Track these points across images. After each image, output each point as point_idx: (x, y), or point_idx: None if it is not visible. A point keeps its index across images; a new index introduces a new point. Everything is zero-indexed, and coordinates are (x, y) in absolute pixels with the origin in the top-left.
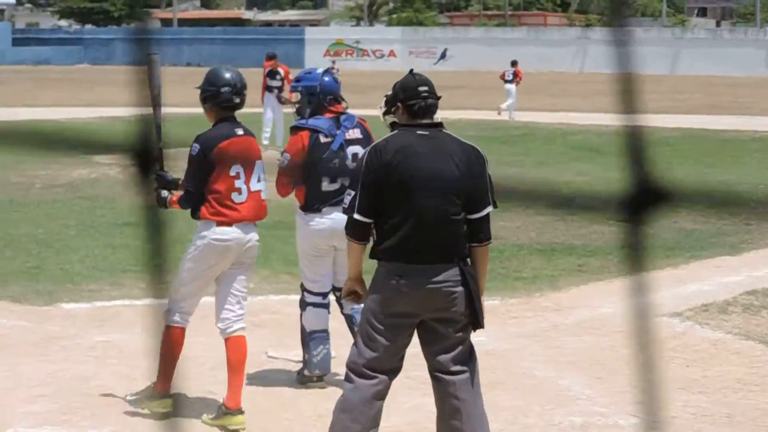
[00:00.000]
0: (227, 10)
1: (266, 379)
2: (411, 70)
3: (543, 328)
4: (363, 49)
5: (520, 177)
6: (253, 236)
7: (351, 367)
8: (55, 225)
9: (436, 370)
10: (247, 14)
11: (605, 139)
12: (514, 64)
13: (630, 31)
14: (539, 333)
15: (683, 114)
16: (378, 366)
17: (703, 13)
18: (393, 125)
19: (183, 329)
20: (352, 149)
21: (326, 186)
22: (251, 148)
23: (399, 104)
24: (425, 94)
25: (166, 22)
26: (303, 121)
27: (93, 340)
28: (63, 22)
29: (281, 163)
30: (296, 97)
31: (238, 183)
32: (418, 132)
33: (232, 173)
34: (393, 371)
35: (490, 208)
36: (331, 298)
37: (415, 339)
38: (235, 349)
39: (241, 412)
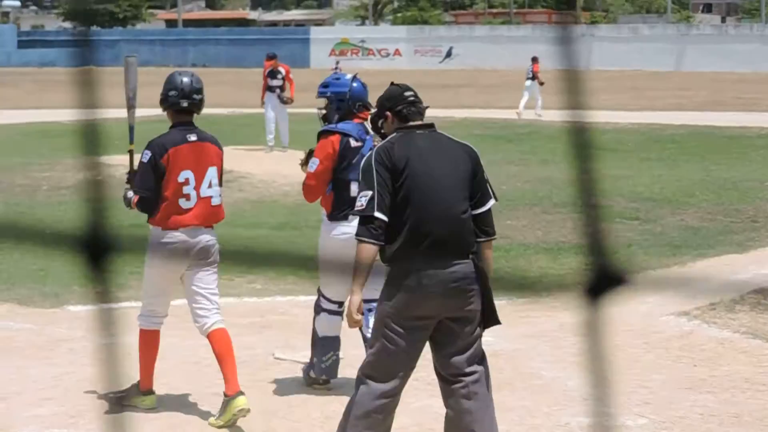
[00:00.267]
0: (232, 10)
1: (273, 380)
2: (392, 83)
3: (550, 328)
4: (368, 48)
5: (525, 175)
6: (204, 238)
7: (367, 373)
8: (62, 227)
9: (449, 373)
10: (252, 14)
11: (610, 136)
12: (533, 60)
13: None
14: (546, 333)
15: (689, 111)
16: (395, 371)
17: (708, 9)
18: (383, 137)
19: (156, 331)
20: None
21: (355, 191)
22: (204, 153)
23: (387, 113)
24: (411, 98)
25: (171, 23)
26: (333, 126)
27: (100, 342)
28: (67, 24)
29: (309, 167)
30: (321, 102)
31: (187, 189)
32: (417, 132)
33: (181, 179)
34: (407, 375)
35: (492, 202)
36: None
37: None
38: (218, 341)
39: (241, 393)
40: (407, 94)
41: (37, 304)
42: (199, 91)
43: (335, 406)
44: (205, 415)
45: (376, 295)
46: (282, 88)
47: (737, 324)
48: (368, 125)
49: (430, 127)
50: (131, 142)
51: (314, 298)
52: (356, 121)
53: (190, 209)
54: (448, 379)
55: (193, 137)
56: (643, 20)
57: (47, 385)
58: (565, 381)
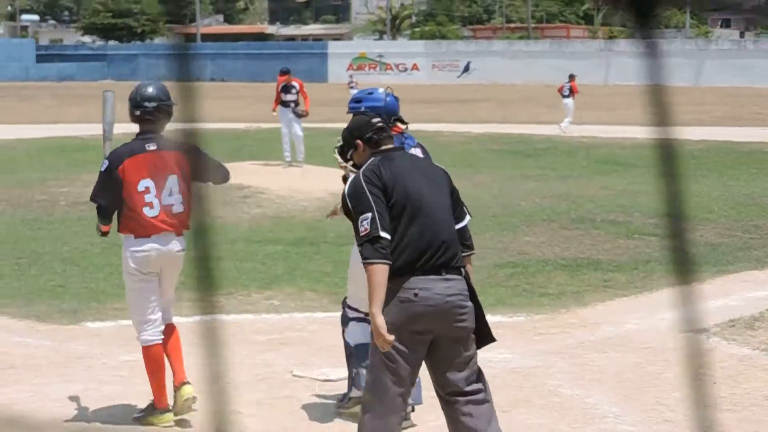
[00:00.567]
0: (250, 24)
1: (292, 398)
2: (355, 114)
3: (569, 345)
4: (386, 62)
5: (543, 191)
6: (175, 246)
7: (370, 395)
8: (80, 243)
9: (448, 392)
10: (270, 29)
11: (629, 152)
12: (571, 78)
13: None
14: (565, 350)
15: (708, 126)
16: (398, 389)
17: (726, 24)
18: (355, 166)
19: (158, 346)
20: None
21: None
22: (163, 162)
23: (358, 142)
24: (379, 125)
25: (190, 38)
26: None
27: (119, 359)
28: (86, 38)
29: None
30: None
31: (149, 197)
32: (395, 153)
33: (141, 188)
34: (408, 392)
35: (468, 217)
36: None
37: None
38: (167, 335)
39: (186, 383)
40: (374, 121)
41: (55, 321)
42: (152, 98)
43: (355, 423)
44: None
45: (363, 306)
46: (296, 102)
47: (757, 341)
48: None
49: (402, 149)
50: None
51: (331, 314)
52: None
53: (155, 217)
54: (448, 399)
55: (152, 146)
56: (662, 35)
57: (65, 402)
58: (584, 398)
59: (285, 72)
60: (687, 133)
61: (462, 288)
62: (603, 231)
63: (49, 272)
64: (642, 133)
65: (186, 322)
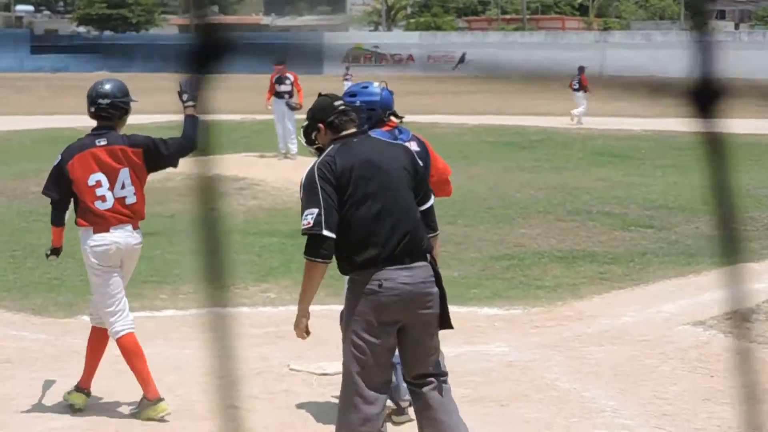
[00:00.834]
0: (245, 15)
1: (289, 392)
2: (319, 93)
3: (565, 338)
4: (381, 53)
5: (538, 183)
6: (133, 239)
7: (347, 392)
8: (76, 235)
9: (414, 377)
10: (265, 20)
11: (625, 143)
12: (581, 70)
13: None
14: (562, 343)
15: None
16: (375, 382)
17: (721, 15)
18: (319, 150)
19: (131, 333)
20: None
21: None
22: (114, 156)
23: (320, 125)
24: (342, 107)
25: (184, 29)
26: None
27: (115, 352)
28: (81, 29)
29: None
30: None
31: (100, 191)
32: (354, 140)
33: (91, 182)
34: (387, 383)
35: (433, 198)
36: None
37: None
38: (127, 344)
39: (161, 400)
40: (337, 103)
41: (51, 314)
42: (107, 95)
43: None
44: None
45: None
46: (290, 94)
47: (754, 333)
48: (397, 131)
49: (364, 133)
50: None
51: (327, 307)
52: (386, 128)
53: (109, 209)
54: (415, 387)
55: (102, 141)
56: (656, 27)
57: (61, 396)
58: (581, 392)
59: (280, 62)
60: (682, 125)
61: (427, 275)
62: (599, 223)
63: (44, 265)
64: (637, 124)
65: (183, 315)
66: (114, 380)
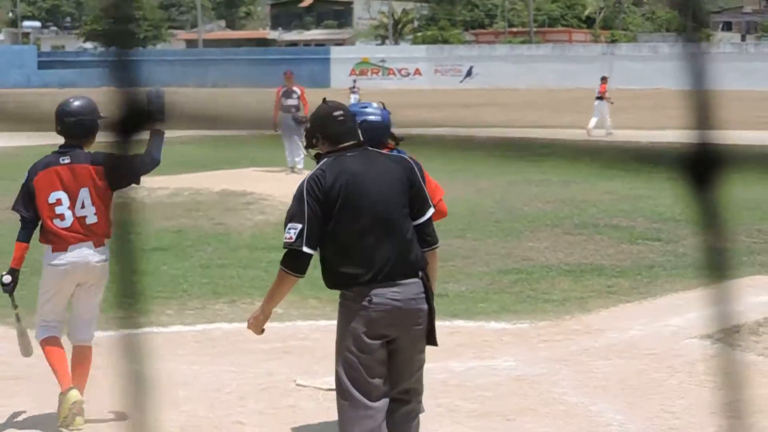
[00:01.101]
0: (252, 30)
1: (295, 408)
2: (324, 99)
3: (573, 352)
4: (388, 67)
5: (546, 196)
6: (93, 258)
7: (345, 409)
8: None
9: (397, 391)
10: (272, 34)
11: (632, 155)
12: (603, 80)
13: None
14: (569, 357)
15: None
16: (372, 396)
17: (728, 27)
18: (318, 156)
19: (56, 337)
20: None
21: None
22: (76, 175)
23: (318, 135)
24: (341, 118)
25: (192, 43)
26: None
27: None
28: (88, 45)
29: None
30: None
31: (60, 209)
32: (348, 154)
33: (52, 200)
34: (385, 394)
35: (432, 210)
36: None
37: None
38: (78, 354)
39: (72, 388)
40: (336, 114)
41: None
42: (72, 114)
43: None
44: None
45: None
46: (297, 108)
47: (761, 347)
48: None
49: (361, 146)
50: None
51: (335, 322)
52: (386, 151)
53: (66, 228)
54: (394, 398)
55: (66, 160)
56: (663, 39)
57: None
58: (589, 406)
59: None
60: (688, 137)
61: (417, 291)
62: (606, 236)
63: None
64: (644, 137)
65: (190, 331)
66: (120, 395)
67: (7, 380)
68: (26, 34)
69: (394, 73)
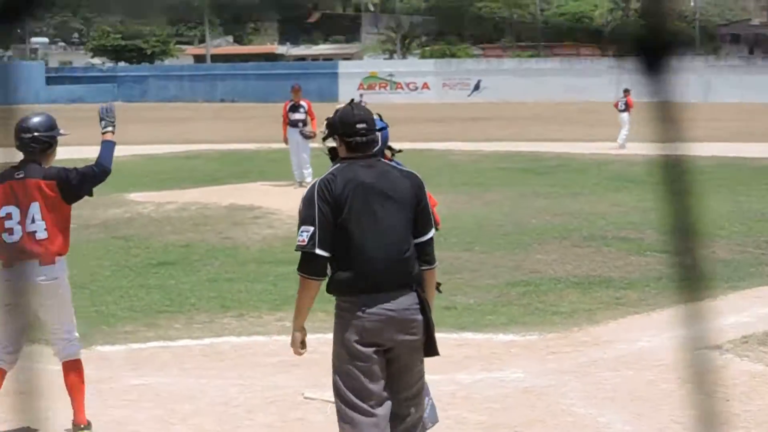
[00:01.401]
0: (260, 45)
1: (303, 421)
2: (351, 101)
3: (581, 364)
4: (396, 81)
5: (554, 208)
6: (37, 277)
7: (346, 417)
8: (90, 266)
9: (395, 405)
10: (280, 49)
11: (641, 169)
12: (626, 92)
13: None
14: (578, 368)
15: (718, 142)
16: (372, 401)
17: (735, 40)
18: (332, 151)
19: (2, 370)
20: None
21: None
22: (27, 189)
23: (338, 137)
24: (363, 131)
25: (199, 59)
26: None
27: (128, 383)
28: (96, 60)
29: None
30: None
31: (9, 223)
32: (360, 163)
33: (2, 214)
34: (385, 399)
35: (433, 231)
36: None
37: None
38: (69, 371)
39: (82, 428)
40: (360, 126)
41: None
42: (29, 130)
43: None
44: None
45: None
46: (304, 122)
47: None
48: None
49: (375, 157)
50: None
51: None
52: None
53: (15, 243)
54: (393, 406)
55: (20, 174)
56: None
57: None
58: (597, 417)
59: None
60: (698, 149)
61: (411, 302)
62: (615, 248)
63: None
64: (652, 149)
65: (197, 345)
66: (126, 410)
67: (13, 395)
68: (34, 50)
69: (402, 87)
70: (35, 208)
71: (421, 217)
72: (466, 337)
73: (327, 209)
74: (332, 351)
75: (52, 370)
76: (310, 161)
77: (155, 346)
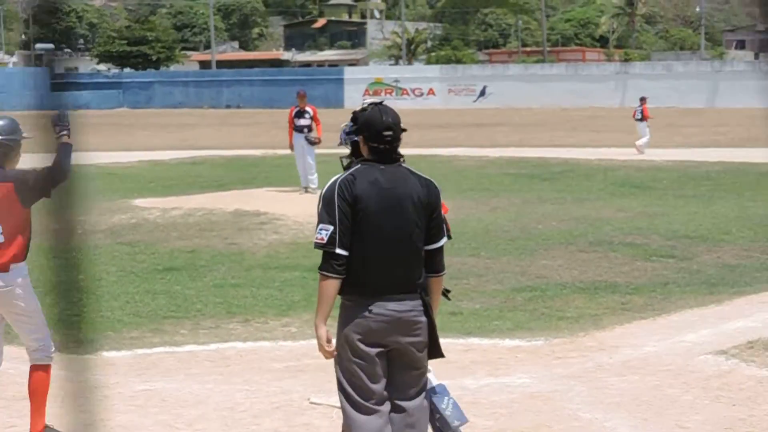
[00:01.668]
0: (265, 51)
1: (309, 426)
2: (376, 104)
3: (587, 369)
4: (402, 87)
5: (560, 214)
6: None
7: (349, 414)
8: (96, 271)
9: (394, 399)
10: (286, 55)
11: (647, 174)
12: (642, 101)
13: None
14: (584, 373)
15: (724, 147)
16: (373, 399)
17: (741, 45)
18: (353, 144)
19: None
20: None
21: None
22: None
23: (362, 137)
24: (389, 138)
25: (205, 65)
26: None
27: (134, 388)
28: (101, 66)
29: None
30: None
31: None
32: (381, 167)
33: None
34: (385, 398)
35: (445, 240)
36: None
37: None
38: (33, 376)
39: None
40: (386, 133)
41: (70, 350)
42: None
43: None
44: None
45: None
46: (309, 128)
47: None
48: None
49: (396, 162)
50: None
51: None
52: None
53: None
54: (392, 404)
55: None
56: (677, 57)
57: None
58: (603, 422)
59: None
60: (703, 155)
61: (415, 304)
62: (620, 253)
63: (64, 301)
64: (658, 155)
65: (203, 350)
66: (133, 414)
67: (20, 400)
68: (39, 56)
69: (407, 93)
70: None
71: (434, 225)
72: (472, 342)
73: (347, 209)
74: (336, 349)
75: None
76: (316, 167)
77: (161, 352)
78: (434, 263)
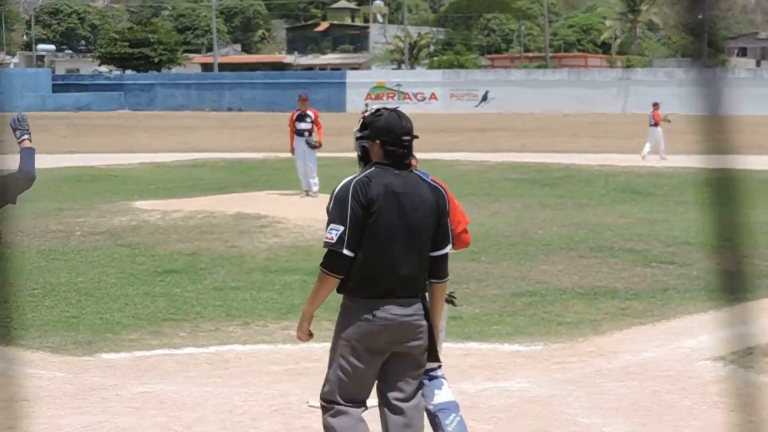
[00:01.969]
0: (268, 54)
1: (308, 429)
2: (395, 109)
3: (586, 374)
4: (404, 92)
5: (560, 219)
6: None
7: (330, 398)
8: (95, 273)
9: (385, 400)
10: (288, 58)
11: (647, 180)
12: (654, 106)
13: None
14: (582, 379)
15: (725, 154)
16: (355, 397)
17: (743, 52)
18: (363, 149)
19: None
20: None
21: None
22: None
23: (378, 142)
24: (407, 143)
25: (207, 67)
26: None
27: (133, 390)
28: (103, 68)
29: None
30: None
31: None
32: (395, 172)
33: None
34: (364, 401)
35: (450, 247)
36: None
37: None
38: None
39: None
40: (405, 138)
41: (69, 352)
42: None
43: None
44: None
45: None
46: (310, 131)
47: None
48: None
49: (408, 168)
50: None
51: None
52: None
53: None
54: (389, 404)
55: None
56: (678, 64)
57: None
58: (602, 427)
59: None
60: (705, 162)
61: (417, 308)
62: (621, 259)
63: (63, 303)
64: (659, 161)
65: (202, 353)
66: (131, 417)
67: (19, 402)
68: (41, 57)
69: (409, 98)
70: None
71: (441, 231)
72: (471, 347)
73: (359, 211)
74: (331, 346)
75: (51, 376)
76: (317, 171)
77: (160, 354)
78: (438, 269)
